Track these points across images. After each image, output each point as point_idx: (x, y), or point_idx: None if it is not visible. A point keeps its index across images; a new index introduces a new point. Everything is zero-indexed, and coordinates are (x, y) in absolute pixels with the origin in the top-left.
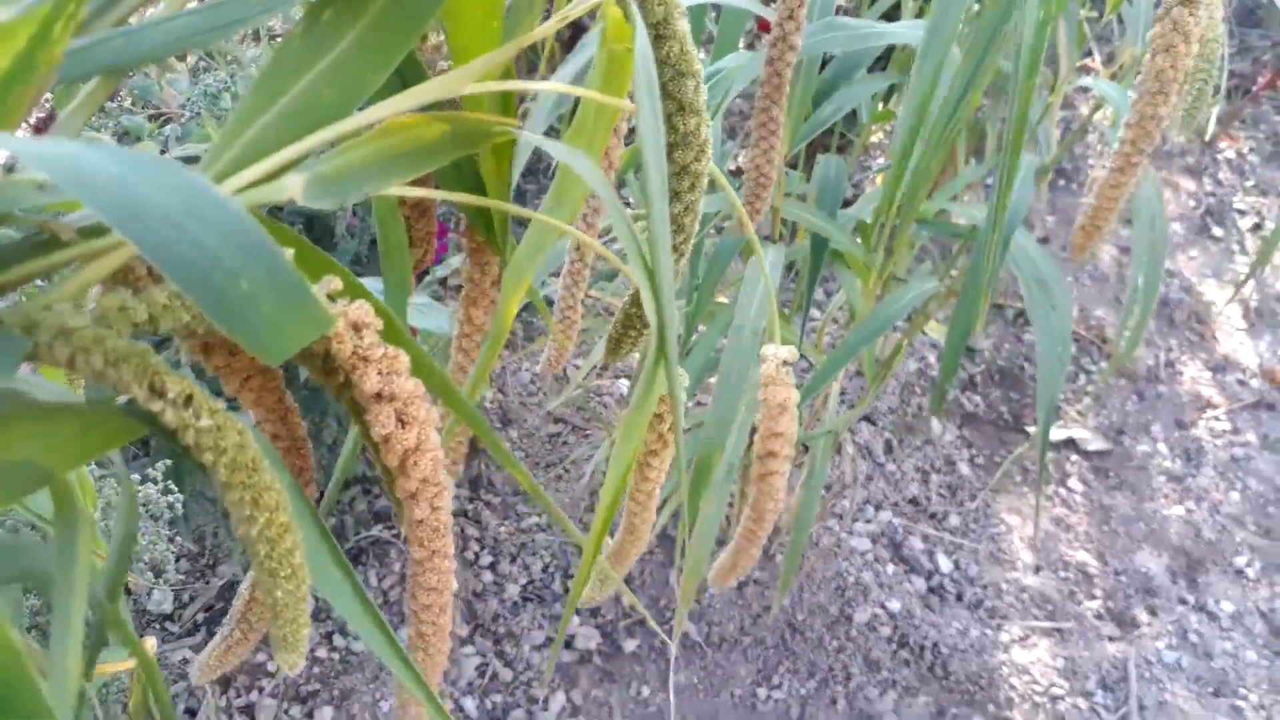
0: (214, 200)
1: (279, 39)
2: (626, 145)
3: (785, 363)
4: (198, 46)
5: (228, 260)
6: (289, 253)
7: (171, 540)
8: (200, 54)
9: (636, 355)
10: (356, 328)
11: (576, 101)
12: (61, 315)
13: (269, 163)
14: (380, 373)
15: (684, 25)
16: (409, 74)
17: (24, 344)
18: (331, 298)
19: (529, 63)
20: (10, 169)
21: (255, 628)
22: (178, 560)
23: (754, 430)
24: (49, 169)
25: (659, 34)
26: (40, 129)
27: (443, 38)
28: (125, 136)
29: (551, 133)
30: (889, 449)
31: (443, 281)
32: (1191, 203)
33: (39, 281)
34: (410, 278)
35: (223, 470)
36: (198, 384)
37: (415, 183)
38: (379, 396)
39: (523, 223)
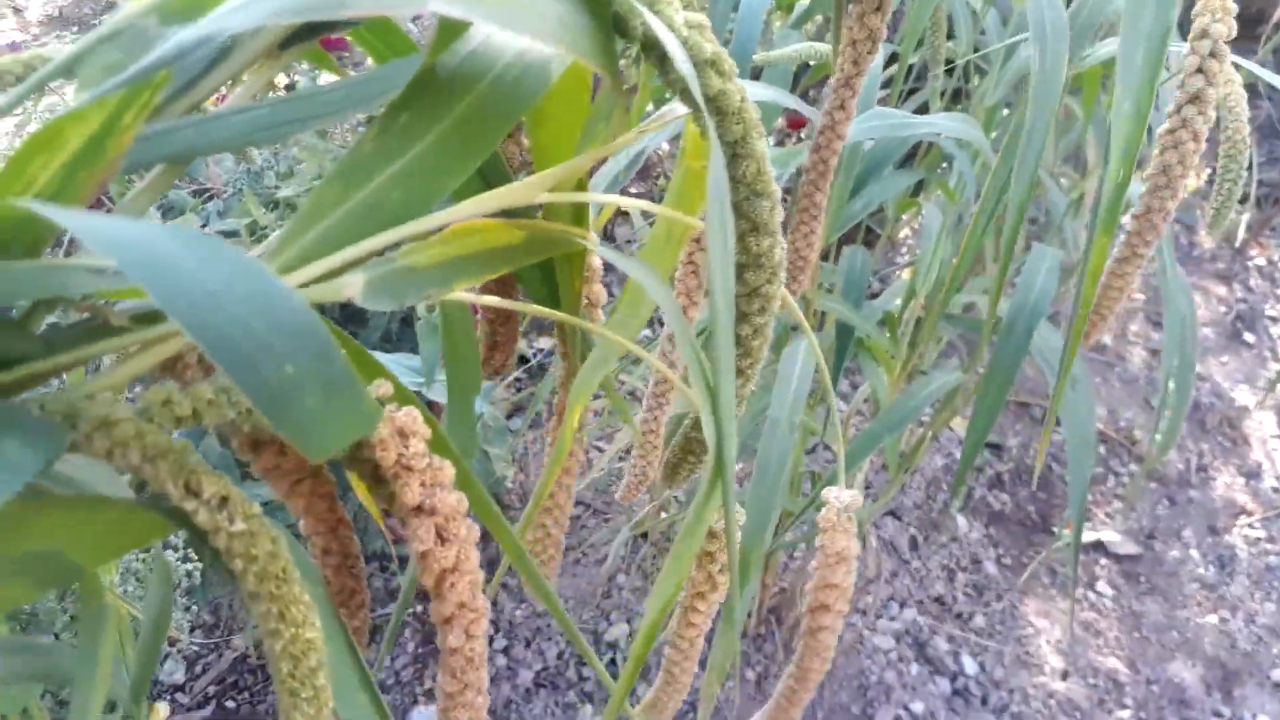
0: (264, 281)
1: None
2: None
3: (848, 509)
4: (267, 142)
5: (274, 343)
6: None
7: (187, 609)
8: None
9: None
10: (402, 435)
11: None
12: (104, 406)
13: (329, 261)
14: (423, 484)
15: (762, 145)
16: (490, 173)
17: (65, 436)
18: (381, 402)
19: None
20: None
21: None
22: (192, 630)
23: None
24: (98, 242)
25: (736, 153)
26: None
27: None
28: (169, 211)
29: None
30: (914, 545)
31: None
32: (1223, 308)
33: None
34: (479, 377)
35: (251, 579)
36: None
37: (491, 282)
38: (420, 510)
39: None
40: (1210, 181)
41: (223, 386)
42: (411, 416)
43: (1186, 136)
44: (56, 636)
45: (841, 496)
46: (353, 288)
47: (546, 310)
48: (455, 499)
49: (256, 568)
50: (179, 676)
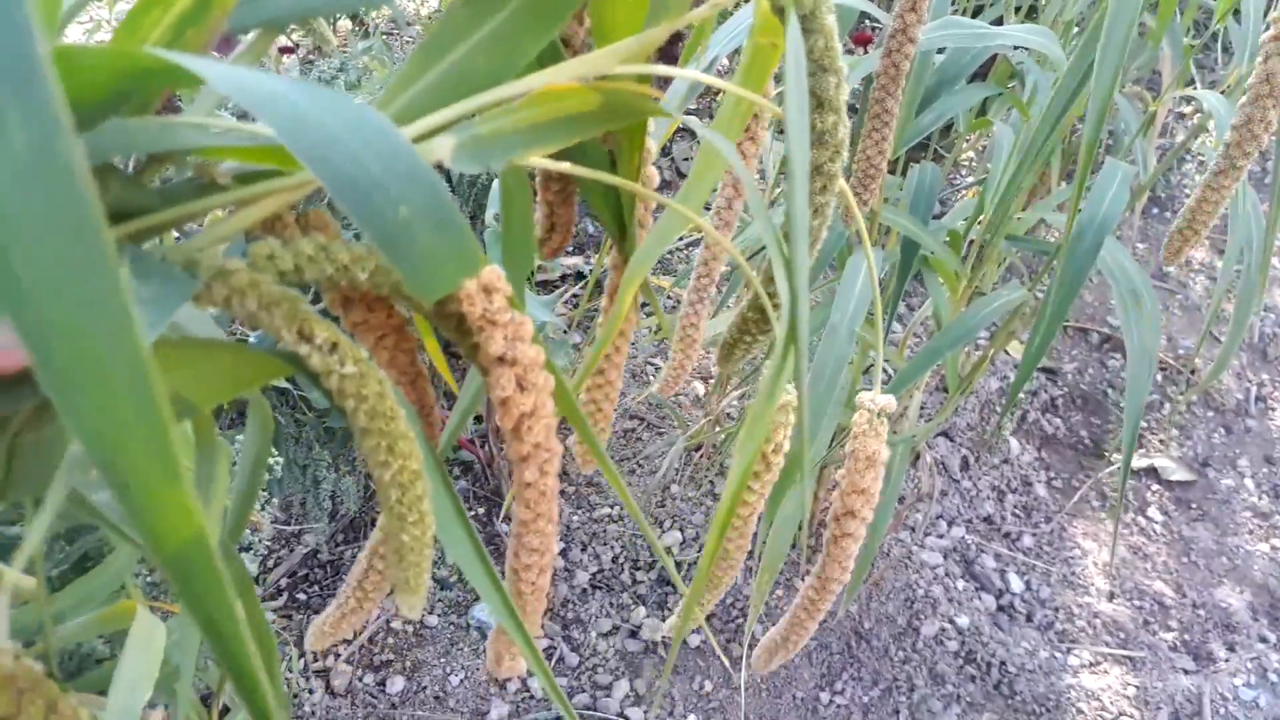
0: (380, 129)
1: (388, 35)
2: None
3: (881, 413)
4: (359, 8)
5: (390, 186)
6: None
7: (265, 504)
8: (312, 45)
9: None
10: (487, 290)
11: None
12: (220, 257)
13: (420, 125)
14: (505, 337)
15: (831, 20)
16: (549, 61)
17: (192, 283)
18: None
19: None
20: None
21: (370, 596)
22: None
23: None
24: (230, 87)
25: (806, 27)
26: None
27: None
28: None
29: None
30: (965, 466)
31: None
32: None
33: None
34: (532, 254)
35: (362, 416)
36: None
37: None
38: (502, 360)
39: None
40: None
41: (321, 244)
42: (495, 273)
43: None
44: None
45: (876, 400)
46: (443, 150)
47: (609, 176)
48: (534, 351)
49: (367, 406)
50: (252, 570)
